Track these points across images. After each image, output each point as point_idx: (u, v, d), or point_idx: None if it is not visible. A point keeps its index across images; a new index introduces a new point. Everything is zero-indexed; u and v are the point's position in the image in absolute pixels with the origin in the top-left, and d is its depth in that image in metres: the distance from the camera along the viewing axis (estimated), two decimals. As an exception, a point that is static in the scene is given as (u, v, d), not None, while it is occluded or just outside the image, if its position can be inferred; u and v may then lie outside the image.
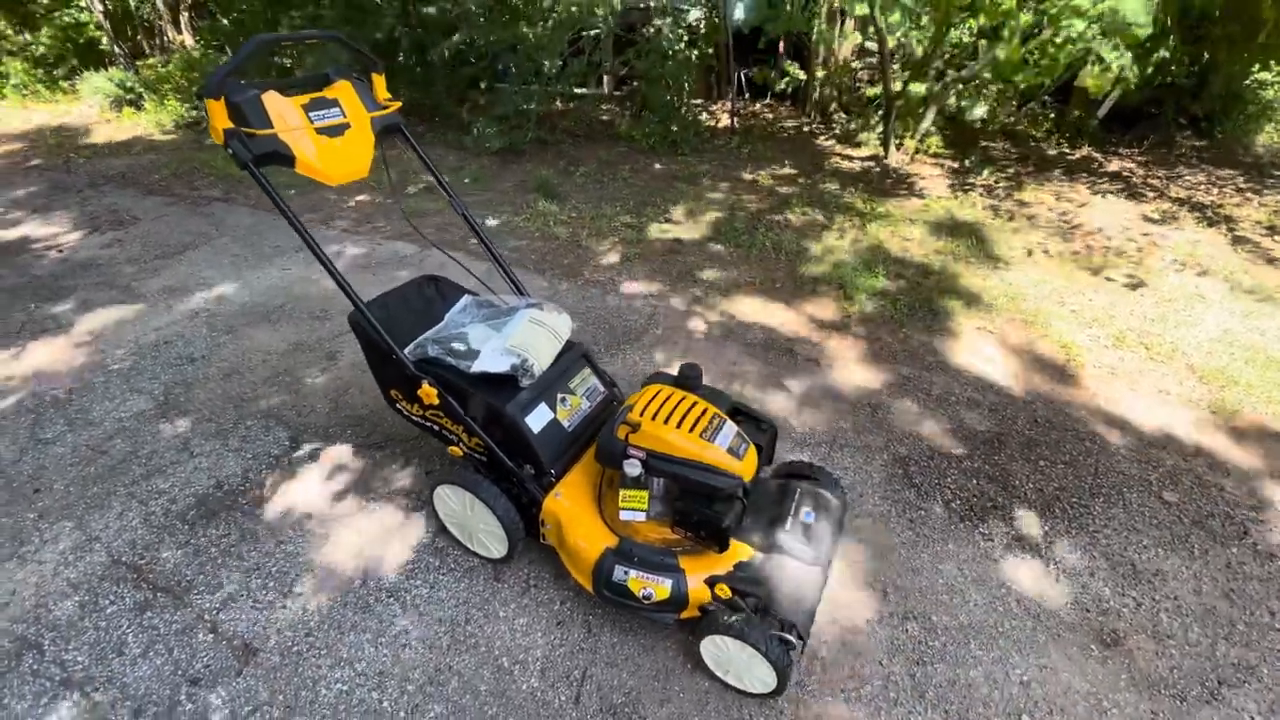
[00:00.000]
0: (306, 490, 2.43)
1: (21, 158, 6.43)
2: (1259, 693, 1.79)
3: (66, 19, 8.53)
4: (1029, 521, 2.33)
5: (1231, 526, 2.33)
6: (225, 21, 8.74)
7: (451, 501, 2.08)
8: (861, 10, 5.43)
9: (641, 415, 1.79)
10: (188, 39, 9.63)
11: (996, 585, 2.09)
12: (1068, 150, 6.93)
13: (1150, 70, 6.27)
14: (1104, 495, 2.46)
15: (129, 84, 8.06)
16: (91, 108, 8.08)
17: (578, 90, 8.10)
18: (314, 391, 2.99)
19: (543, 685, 1.79)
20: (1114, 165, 6.46)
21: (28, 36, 8.37)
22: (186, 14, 9.66)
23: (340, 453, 2.61)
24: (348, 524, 2.28)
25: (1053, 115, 7.68)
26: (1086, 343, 3.40)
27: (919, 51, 6.27)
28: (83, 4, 8.83)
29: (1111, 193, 5.62)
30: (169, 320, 3.57)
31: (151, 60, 9.23)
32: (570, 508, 1.91)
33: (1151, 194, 5.59)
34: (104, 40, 9.06)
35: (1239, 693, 1.79)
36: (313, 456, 2.59)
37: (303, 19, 7.12)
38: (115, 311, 3.65)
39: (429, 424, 2.11)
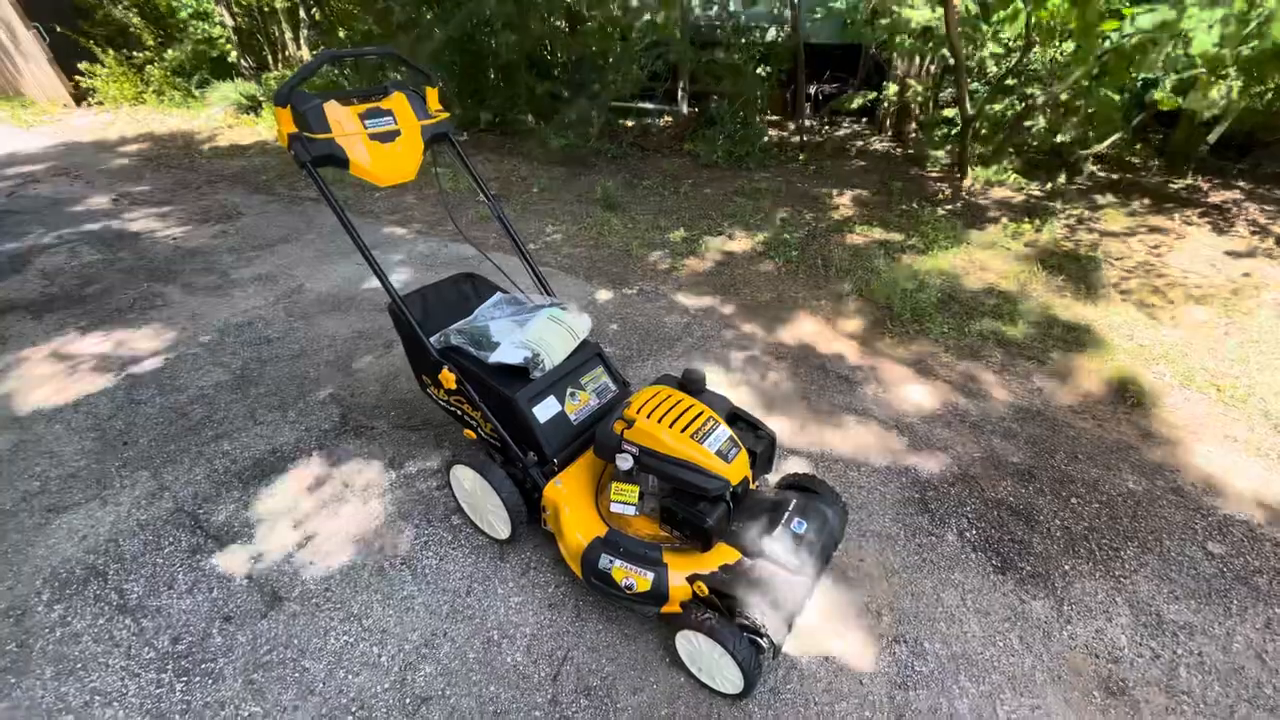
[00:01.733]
0: (346, 462, 2.65)
1: (154, 156, 7.27)
2: (1278, 763, 1.65)
3: (201, 33, 9.57)
4: (1048, 559, 2.23)
5: (1282, 586, 2.14)
6: (339, 39, 9.56)
7: (465, 482, 2.23)
8: (932, 18, 5.29)
9: (638, 413, 1.88)
10: (306, 54, 10.58)
11: (1000, 619, 2.02)
12: (1169, 179, 6.45)
13: (1269, 95, 5.77)
14: (1139, 540, 2.31)
15: (251, 94, 8.95)
16: (218, 114, 9.02)
17: (649, 105, 8.32)
18: (368, 375, 3.25)
19: (526, 660, 1.89)
20: (1218, 196, 5.96)
21: (169, 51, 9.45)
22: (306, 31, 10.62)
23: (381, 431, 2.83)
24: (378, 496, 2.48)
25: (1155, 141, 7.18)
26: (1151, 380, 3.19)
27: (995, 70, 6.05)
28: (215, 20, 9.90)
29: (1210, 225, 5.20)
30: (254, 305, 3.97)
31: (274, 73, 10.21)
32: (569, 496, 2.01)
33: (1254, 229, 5.13)
34: (232, 54, 10.11)
35: (1255, 760, 1.66)
36: (357, 433, 2.82)
37: (406, 39, 7.71)
38: (211, 294, 4.09)
39: (452, 408, 2.27)
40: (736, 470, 1.83)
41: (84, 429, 2.86)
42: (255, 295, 4.08)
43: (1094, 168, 6.77)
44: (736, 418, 2.08)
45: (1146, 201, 5.73)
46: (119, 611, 2.03)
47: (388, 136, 2.15)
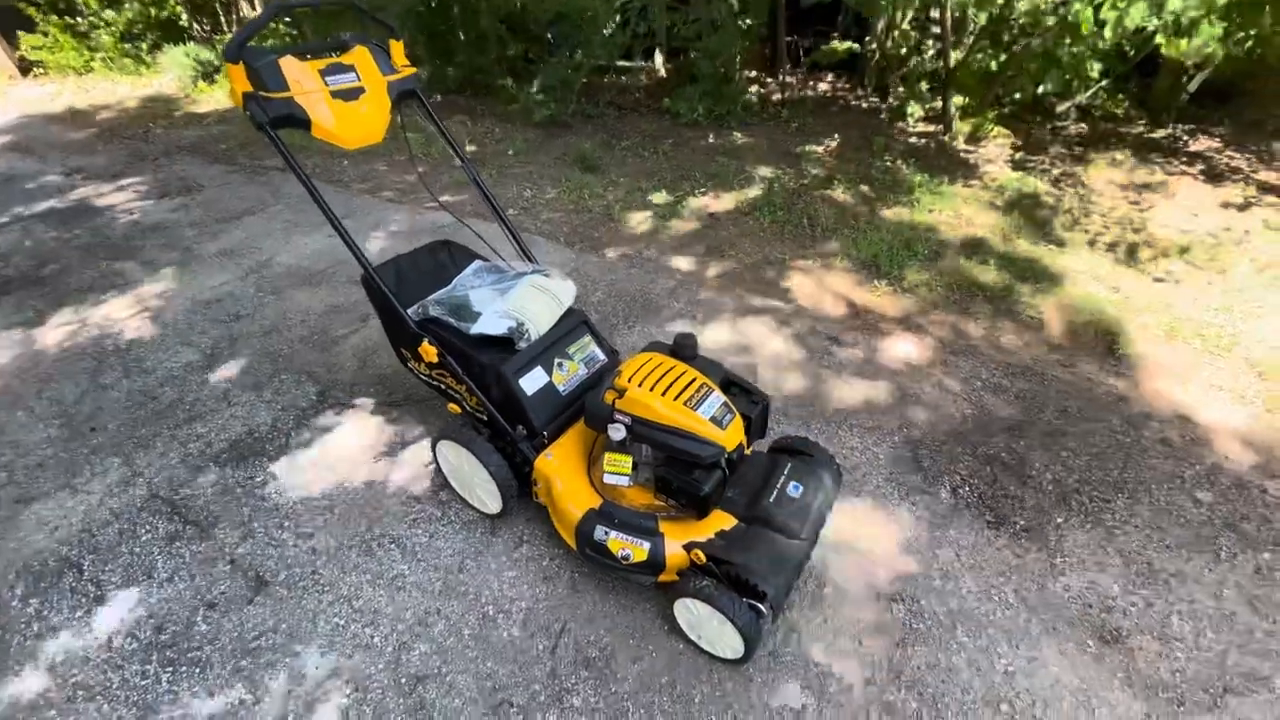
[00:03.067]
0: (327, 441, 2.57)
1: (105, 128, 6.90)
2: (1267, 704, 1.68)
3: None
4: (1041, 512, 2.24)
5: (1269, 530, 2.17)
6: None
7: (452, 458, 2.16)
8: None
9: (629, 381, 1.81)
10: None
11: (994, 574, 2.03)
12: (1148, 129, 6.42)
13: (1249, 42, 5.72)
14: (1129, 490, 2.33)
15: (205, 58, 8.50)
16: (170, 81, 8.57)
17: (625, 63, 8.05)
18: (344, 351, 3.14)
19: (523, 635, 1.86)
20: (1198, 144, 5.95)
21: (108, 12, 8.90)
22: (260, -10, 10.07)
23: (362, 408, 2.75)
24: (362, 474, 2.41)
25: (1135, 91, 7.11)
26: (1135, 332, 3.19)
27: (979, 20, 5.90)
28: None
29: (1190, 175, 5.20)
30: (221, 280, 3.81)
31: (228, 36, 9.69)
32: (560, 468, 1.96)
33: (1235, 177, 5.14)
34: (183, 16, 9.56)
35: (1245, 702, 1.69)
36: (336, 410, 2.73)
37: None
38: (175, 271, 3.91)
39: (435, 382, 2.19)
40: (731, 436, 1.79)
41: (48, 416, 2.73)
42: (222, 271, 3.92)
43: (1075, 121, 6.71)
44: (730, 383, 2.03)
45: (1129, 152, 5.69)
46: (97, 603, 1.96)
47: (351, 94, 2.02)
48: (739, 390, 2.03)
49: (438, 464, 2.26)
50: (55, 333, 3.32)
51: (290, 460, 2.48)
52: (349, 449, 2.53)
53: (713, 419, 1.77)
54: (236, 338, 3.26)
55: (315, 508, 2.27)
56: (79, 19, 9.05)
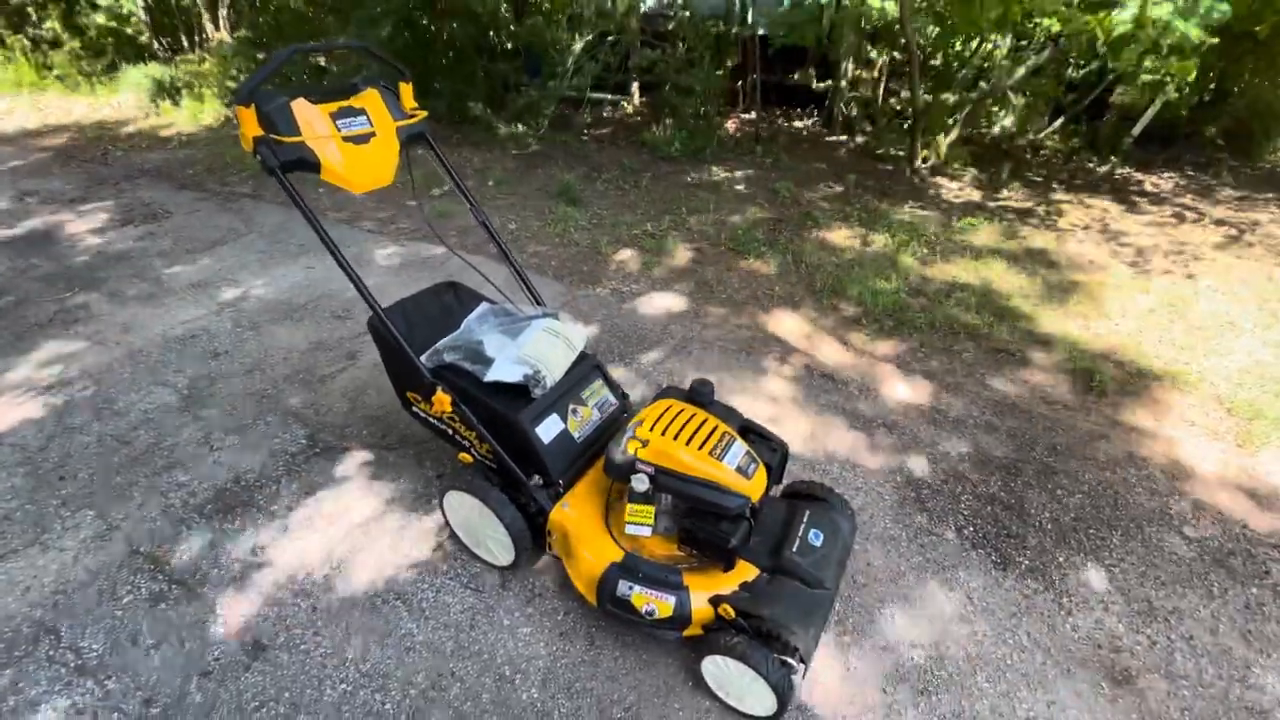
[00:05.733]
0: (321, 489, 2.46)
1: (61, 149, 6.61)
2: (1275, 741, 1.74)
3: (108, 12, 8.73)
4: (1043, 551, 2.29)
5: (1253, 565, 2.27)
6: (262, 21, 8.93)
7: (460, 508, 2.10)
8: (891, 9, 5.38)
9: (651, 430, 1.80)
10: (225, 36, 9.84)
11: (1006, 616, 2.06)
12: (1099, 167, 6.81)
13: (1189, 87, 6.15)
14: (1122, 528, 2.41)
15: (167, 79, 8.25)
16: (130, 101, 8.28)
17: (602, 96, 8.15)
18: (332, 390, 3.04)
19: (543, 696, 1.80)
20: (1148, 184, 6.33)
21: (63, 29, 8.59)
22: (225, 10, 9.87)
23: (355, 452, 2.65)
24: (359, 524, 2.31)
25: (1084, 130, 7.54)
26: (1110, 369, 3.33)
27: (944, 62, 6.22)
28: (125, -1, 9.07)
29: (1144, 213, 5.51)
30: (196, 314, 3.65)
31: (190, 56, 9.45)
32: (577, 519, 1.92)
33: (1189, 215, 5.47)
34: (144, 34, 9.30)
35: (1254, 740, 1.75)
36: (328, 456, 2.63)
37: (337, 23, 7.27)
38: (144, 304, 3.74)
39: (444, 427, 2.13)
40: (756, 486, 1.78)
41: (11, 464, 2.55)
42: (195, 304, 3.76)
43: (1032, 158, 7.07)
44: (748, 430, 2.03)
45: (1087, 191, 6.02)
46: (78, 674, 1.81)
47: (362, 139, 1.99)
48: (756, 437, 2.04)
49: (444, 514, 2.18)
50: (15, 370, 3.12)
51: (282, 511, 2.36)
52: (344, 497, 2.43)
53: (738, 469, 1.77)
54: (215, 377, 3.12)
55: (313, 563, 2.16)
56: (38, 29, 8.71)
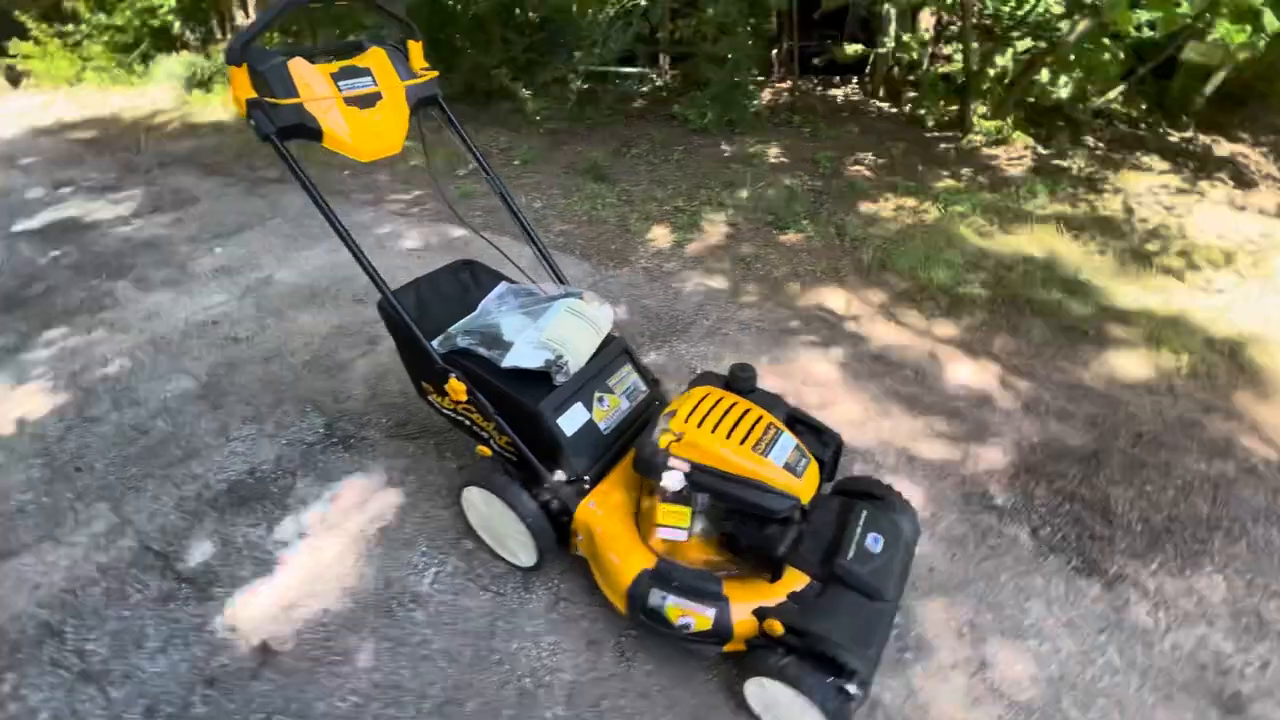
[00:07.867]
0: (336, 482, 2.34)
1: (96, 140, 6.67)
2: None
3: (141, 3, 8.79)
4: (1133, 556, 2.02)
5: (1387, 575, 1.96)
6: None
7: (480, 504, 1.94)
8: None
9: (686, 422, 1.60)
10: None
11: (1093, 631, 1.81)
12: (1169, 132, 6.26)
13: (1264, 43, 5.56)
14: (1224, 529, 2.12)
15: (199, 68, 8.28)
16: (164, 91, 8.34)
17: (630, 70, 7.87)
18: (352, 377, 2.91)
19: (569, 714, 1.63)
20: (1223, 149, 5.79)
21: (103, 18, 8.69)
22: (255, -2, 9.86)
23: (373, 442, 2.52)
24: (375, 520, 2.18)
25: (1152, 94, 6.95)
26: (1200, 349, 2.99)
27: (997, 22, 5.75)
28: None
29: (1221, 181, 5.02)
30: (219, 300, 3.57)
31: (222, 44, 9.47)
32: (604, 519, 1.74)
33: (1270, 183, 4.97)
34: (176, 25, 9.35)
35: (1407, 788, 1.47)
36: (345, 446, 2.50)
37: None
38: (170, 290, 3.68)
39: (460, 418, 1.97)
40: (808, 486, 1.57)
41: (29, 454, 2.49)
42: (219, 289, 3.68)
43: (1095, 121, 6.55)
44: (795, 420, 1.81)
45: (1155, 157, 5.53)
46: (81, 679, 1.72)
47: (367, 100, 1.81)
48: (805, 428, 1.81)
49: (462, 509, 2.03)
50: (40, 357, 3.08)
51: (296, 506, 2.24)
52: (361, 491, 2.30)
53: (786, 465, 1.56)
54: (235, 363, 3.03)
55: (326, 561, 2.04)
56: (73, 25, 8.84)
